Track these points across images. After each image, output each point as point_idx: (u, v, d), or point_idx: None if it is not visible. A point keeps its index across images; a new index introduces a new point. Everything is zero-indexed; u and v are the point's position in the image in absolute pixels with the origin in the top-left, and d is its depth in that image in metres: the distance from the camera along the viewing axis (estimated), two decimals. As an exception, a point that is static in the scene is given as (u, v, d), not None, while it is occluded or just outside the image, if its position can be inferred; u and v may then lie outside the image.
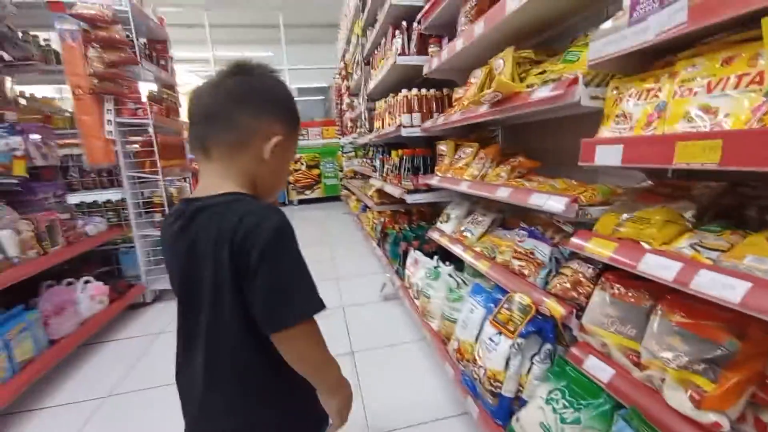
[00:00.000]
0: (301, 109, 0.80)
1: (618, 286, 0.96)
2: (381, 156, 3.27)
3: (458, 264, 1.98)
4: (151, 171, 2.67)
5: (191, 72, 9.61)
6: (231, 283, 0.63)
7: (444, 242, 2.01)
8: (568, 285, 1.13)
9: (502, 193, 1.34)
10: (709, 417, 0.69)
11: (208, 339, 0.68)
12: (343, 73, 5.35)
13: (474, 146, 1.89)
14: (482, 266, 1.54)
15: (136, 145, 2.77)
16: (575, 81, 0.97)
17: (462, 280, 1.81)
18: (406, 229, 2.87)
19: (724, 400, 0.68)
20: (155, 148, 2.59)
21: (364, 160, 4.28)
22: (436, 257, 1.97)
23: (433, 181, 2.10)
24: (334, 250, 4.20)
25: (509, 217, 1.87)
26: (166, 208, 2.61)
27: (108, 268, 2.72)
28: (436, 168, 2.20)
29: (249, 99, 0.69)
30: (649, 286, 0.91)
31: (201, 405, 0.71)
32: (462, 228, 1.94)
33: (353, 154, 5.38)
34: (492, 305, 1.36)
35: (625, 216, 0.92)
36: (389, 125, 2.72)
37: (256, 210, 0.64)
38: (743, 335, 0.70)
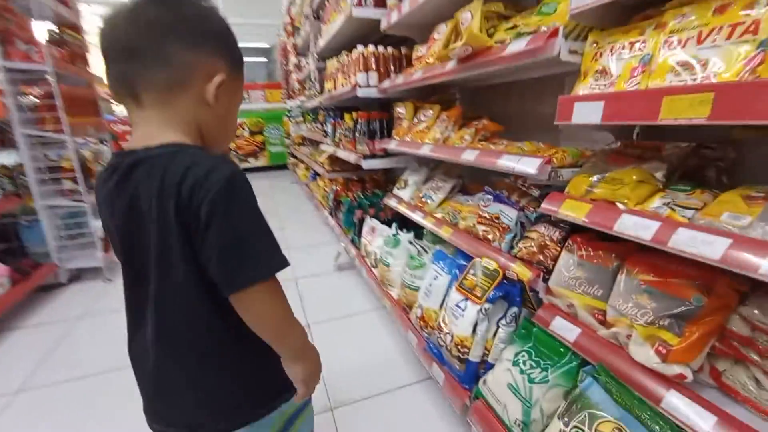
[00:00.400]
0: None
1: (585, 247, 0.97)
2: (333, 120, 3.07)
3: (417, 231, 1.95)
4: (55, 129, 2.22)
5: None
6: (180, 244, 0.56)
7: (402, 209, 1.94)
8: (534, 249, 1.12)
9: (468, 156, 1.29)
10: (674, 369, 0.72)
11: (158, 307, 0.61)
12: (289, 28, 4.89)
13: (435, 108, 1.80)
14: (444, 233, 1.50)
15: (34, 98, 2.28)
16: (555, 33, 0.91)
17: (422, 247, 1.78)
18: (361, 197, 2.76)
19: (689, 353, 0.71)
20: (57, 101, 2.14)
21: (314, 125, 4.01)
22: (394, 225, 1.91)
23: (391, 145, 2.00)
24: (283, 221, 3.98)
25: (469, 182, 1.85)
26: (78, 174, 2.21)
27: (6, 246, 2.28)
28: (393, 131, 2.10)
29: (181, 29, 0.58)
30: (616, 247, 0.92)
31: (156, 380, 0.66)
32: (421, 194, 1.88)
33: (301, 118, 5.03)
34: (456, 271, 1.34)
35: (597, 177, 0.91)
36: (343, 86, 2.53)
37: (203, 160, 0.56)
38: (708, 290, 0.72)
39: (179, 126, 0.60)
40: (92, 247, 2.42)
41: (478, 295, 1.14)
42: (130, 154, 0.58)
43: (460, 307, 1.19)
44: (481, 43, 1.13)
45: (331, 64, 2.95)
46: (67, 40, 2.35)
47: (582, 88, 0.89)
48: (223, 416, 0.67)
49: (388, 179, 3.25)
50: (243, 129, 6.76)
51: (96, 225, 2.46)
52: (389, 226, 2.10)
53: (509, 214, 1.23)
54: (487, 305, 1.12)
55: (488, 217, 1.32)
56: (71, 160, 2.21)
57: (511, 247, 1.23)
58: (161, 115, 0.59)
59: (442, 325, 1.25)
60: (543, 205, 0.97)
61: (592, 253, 0.95)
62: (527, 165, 1.02)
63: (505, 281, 1.13)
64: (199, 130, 0.63)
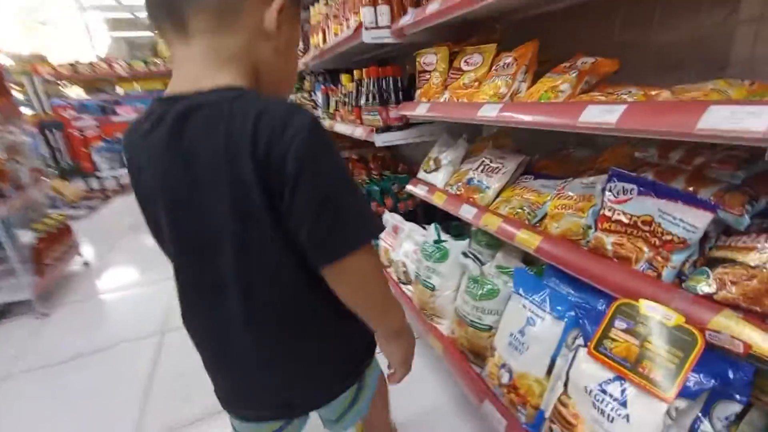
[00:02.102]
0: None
1: None
2: (324, 86, 2.43)
3: (444, 222, 1.42)
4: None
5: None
6: (264, 207, 0.47)
7: (439, 202, 1.37)
8: (756, 284, 0.59)
9: (605, 116, 0.71)
10: None
11: (242, 283, 0.51)
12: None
13: (488, 50, 1.21)
14: (526, 244, 0.94)
15: None
16: None
17: (476, 256, 1.23)
18: (368, 183, 2.18)
19: None
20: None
21: (299, 95, 3.34)
22: (434, 225, 1.35)
23: (419, 110, 1.39)
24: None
25: (537, 159, 1.29)
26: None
27: None
28: (418, 92, 1.49)
29: None
30: None
31: (247, 362, 0.57)
32: (467, 178, 1.31)
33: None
34: (577, 315, 0.80)
35: None
36: (336, 34, 1.88)
37: (272, 106, 0.45)
38: None
39: (232, 63, 0.49)
40: (15, 275, 1.81)
41: (656, 379, 0.61)
42: (178, 100, 0.47)
43: (611, 397, 0.65)
44: None
45: (317, 12, 2.27)
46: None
47: None
48: (321, 386, 0.63)
49: (396, 156, 2.65)
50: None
51: (18, 242, 1.83)
52: (414, 220, 1.55)
53: (687, 219, 0.67)
54: (680, 403, 0.59)
55: (627, 221, 0.76)
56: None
57: (681, 276, 0.70)
58: (211, 49, 0.49)
59: (571, 417, 0.72)
60: None
61: None
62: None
63: (713, 354, 0.59)
64: (255, 71, 0.52)
